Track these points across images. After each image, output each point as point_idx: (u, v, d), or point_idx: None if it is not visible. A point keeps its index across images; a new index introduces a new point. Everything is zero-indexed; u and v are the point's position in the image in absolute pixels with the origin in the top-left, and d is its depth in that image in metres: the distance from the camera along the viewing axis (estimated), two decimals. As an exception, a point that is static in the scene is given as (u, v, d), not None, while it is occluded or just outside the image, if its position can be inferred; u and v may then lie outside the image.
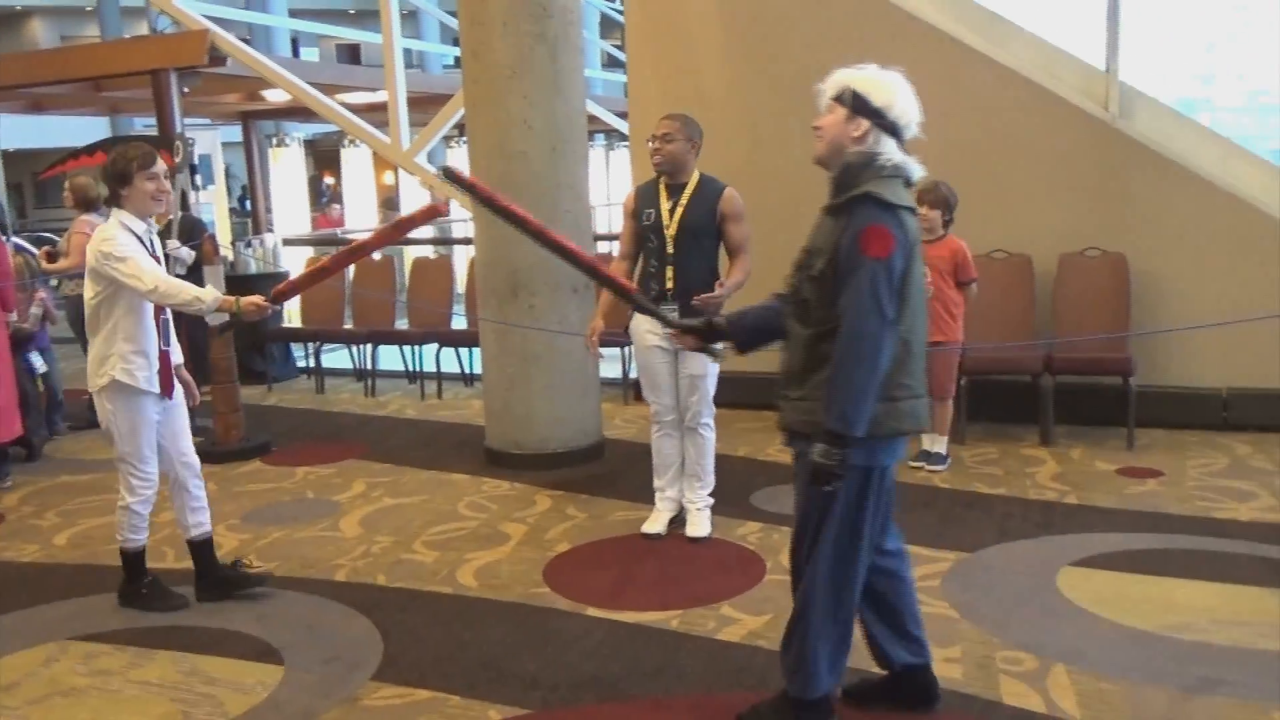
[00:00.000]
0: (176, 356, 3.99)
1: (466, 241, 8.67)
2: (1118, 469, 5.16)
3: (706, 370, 4.35)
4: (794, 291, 2.67)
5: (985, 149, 6.06)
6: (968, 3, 6.48)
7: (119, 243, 3.67)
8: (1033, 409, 5.71)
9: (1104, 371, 5.64)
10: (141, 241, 3.77)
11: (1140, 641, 3.36)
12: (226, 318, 3.80)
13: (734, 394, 6.87)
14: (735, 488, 5.12)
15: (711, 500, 4.58)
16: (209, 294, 3.69)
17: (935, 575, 3.97)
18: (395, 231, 4.23)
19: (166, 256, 6.17)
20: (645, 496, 5.03)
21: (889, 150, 2.59)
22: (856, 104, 2.58)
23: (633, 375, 7.19)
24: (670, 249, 4.27)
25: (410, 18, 20.57)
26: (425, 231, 15.12)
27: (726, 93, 6.63)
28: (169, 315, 3.94)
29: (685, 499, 4.56)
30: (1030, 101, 5.98)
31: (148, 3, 9.74)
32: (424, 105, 10.18)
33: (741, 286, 4.24)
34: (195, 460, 4.05)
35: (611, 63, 18.67)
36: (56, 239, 8.96)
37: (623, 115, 9.00)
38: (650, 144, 4.30)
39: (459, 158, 14.39)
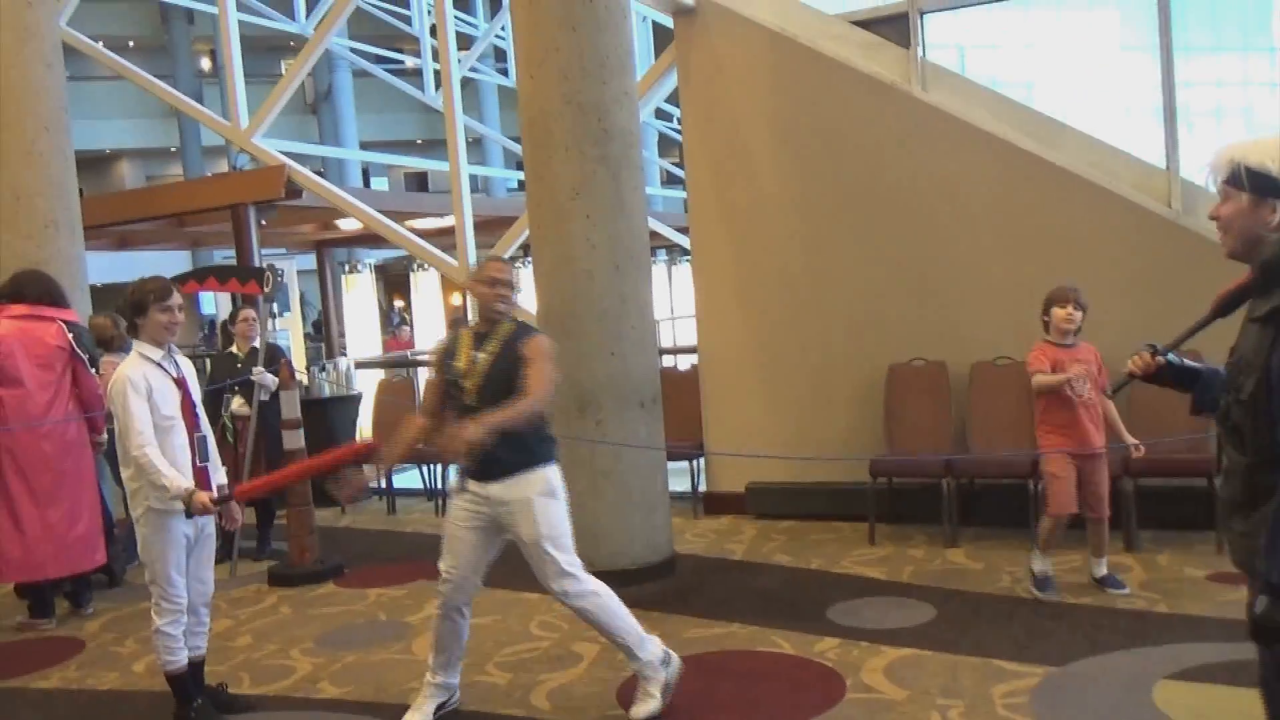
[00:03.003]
0: (219, 476, 4.09)
1: (533, 359, 8.79)
2: (1208, 575, 4.97)
3: (539, 534, 3.69)
4: (1225, 413, 2.24)
5: (1048, 250, 6.04)
6: (1019, 106, 6.55)
7: (127, 393, 3.80)
8: (1116, 514, 5.55)
9: (1187, 473, 5.48)
10: (162, 367, 3.93)
11: (1247, 759, 3.18)
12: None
13: (806, 505, 6.81)
14: (810, 602, 5.02)
15: (653, 671, 3.81)
16: (175, 484, 3.74)
17: (1024, 691, 3.82)
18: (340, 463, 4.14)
19: (250, 381, 6.39)
20: (719, 613, 4.96)
21: None
22: (1260, 185, 2.13)
23: (702, 489, 7.16)
24: (471, 401, 3.72)
25: (475, 145, 21.32)
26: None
27: (784, 203, 6.72)
28: (205, 432, 4.06)
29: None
30: (1091, 201, 5.98)
31: (228, 142, 10.22)
32: (490, 228, 10.46)
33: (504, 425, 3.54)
34: (211, 587, 4.15)
35: (671, 180, 19.07)
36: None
37: (683, 230, 9.15)
38: (491, 289, 3.81)
39: (524, 277, 14.68)
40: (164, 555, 3.91)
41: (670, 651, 3.92)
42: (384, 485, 8.28)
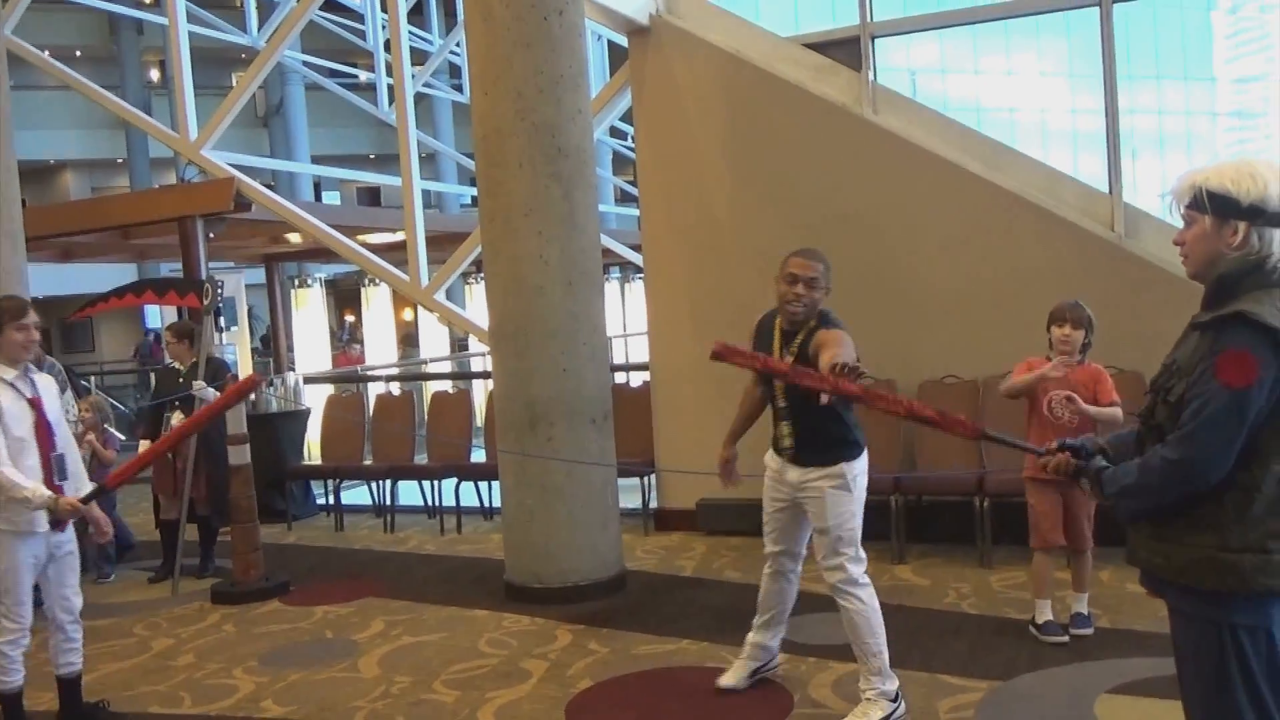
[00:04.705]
0: (81, 489, 4.05)
1: (485, 375, 8.75)
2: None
3: (826, 523, 3.80)
4: (1148, 412, 2.31)
5: (995, 271, 6.15)
6: (968, 130, 6.66)
7: None
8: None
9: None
10: (15, 387, 3.94)
11: (1186, 772, 3.23)
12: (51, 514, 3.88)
13: (757, 522, 6.80)
14: (760, 618, 5.02)
15: (881, 698, 3.73)
16: (37, 495, 3.79)
17: (969, 706, 3.86)
18: (219, 409, 4.68)
19: (192, 396, 6.28)
20: (669, 629, 4.96)
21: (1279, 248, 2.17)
22: (1221, 206, 2.17)
23: (653, 505, 7.16)
24: (783, 403, 3.90)
25: (429, 160, 21.24)
26: (443, 365, 15.32)
27: (736, 222, 6.77)
28: (62, 451, 4.03)
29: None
30: (1036, 224, 6.09)
31: (176, 154, 10.09)
32: (442, 243, 10.42)
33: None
34: (77, 604, 4.13)
35: (624, 197, 19.12)
36: (83, 383, 9.11)
37: (636, 248, 9.19)
38: (790, 286, 3.75)
39: (477, 294, 14.65)
40: (12, 571, 3.89)
41: (904, 702, 3.79)
42: (333, 501, 8.19)
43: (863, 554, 3.86)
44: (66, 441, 4.12)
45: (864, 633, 3.78)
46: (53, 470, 3.95)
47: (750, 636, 4.18)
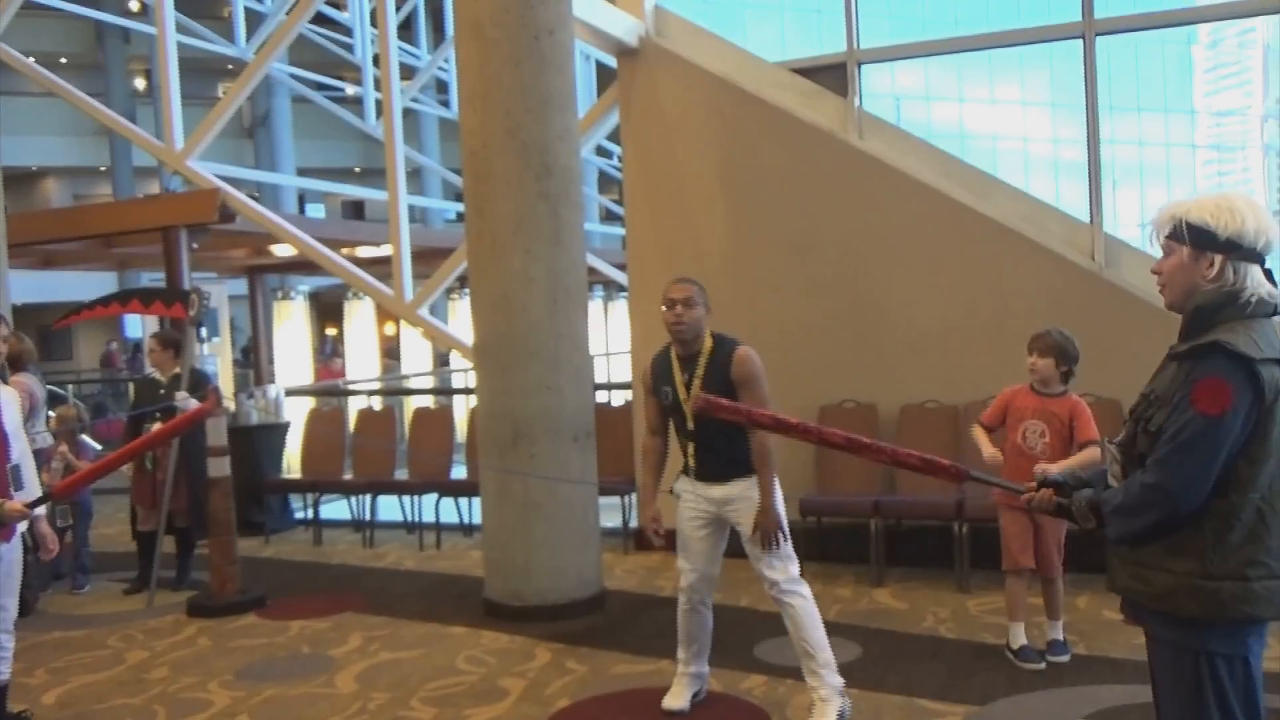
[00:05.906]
0: (29, 497, 3.98)
1: (468, 391, 8.74)
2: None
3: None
4: (1129, 442, 2.35)
5: (977, 298, 6.20)
6: (951, 158, 6.74)
7: None
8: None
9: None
10: None
11: (1159, 799, 3.25)
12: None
13: (735, 543, 6.81)
14: (738, 639, 5.03)
15: (831, 695, 3.87)
16: None
17: (945, 730, 3.87)
18: (173, 431, 4.98)
19: (174, 408, 6.24)
20: (647, 649, 4.95)
21: (1254, 282, 2.22)
22: (1199, 238, 2.23)
23: (633, 525, 7.16)
24: (692, 426, 3.98)
25: (414, 174, 21.25)
26: (426, 380, 15.28)
27: (721, 244, 6.81)
28: (18, 462, 3.95)
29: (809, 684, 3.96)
30: (1018, 252, 6.15)
31: (160, 163, 10.06)
32: (427, 259, 10.42)
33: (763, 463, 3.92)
34: (12, 615, 4.09)
35: (610, 216, 19.16)
36: (59, 390, 9.05)
37: (621, 267, 9.22)
38: (669, 310, 4.02)
39: (461, 309, 14.64)
40: None
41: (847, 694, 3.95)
42: (311, 515, 8.15)
43: (793, 553, 4.01)
44: (23, 452, 4.02)
45: (809, 628, 3.91)
46: (8, 481, 3.86)
47: (682, 668, 4.23)
